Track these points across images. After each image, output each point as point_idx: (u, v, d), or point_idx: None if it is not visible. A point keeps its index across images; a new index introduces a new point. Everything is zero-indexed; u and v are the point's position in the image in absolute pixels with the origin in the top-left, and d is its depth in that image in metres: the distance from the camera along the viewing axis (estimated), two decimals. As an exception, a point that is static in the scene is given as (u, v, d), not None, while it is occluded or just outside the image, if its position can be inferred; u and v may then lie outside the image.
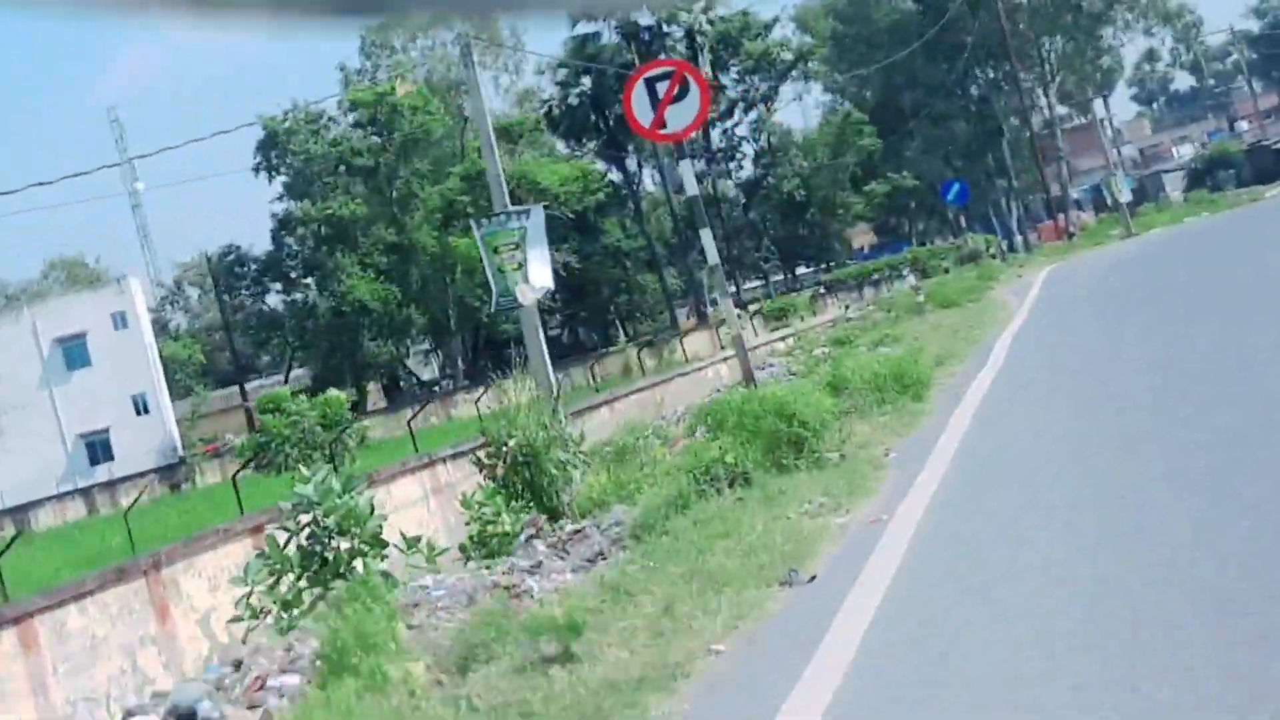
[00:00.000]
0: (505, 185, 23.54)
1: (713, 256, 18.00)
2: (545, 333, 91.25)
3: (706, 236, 17.89)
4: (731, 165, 69.61)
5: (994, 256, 48.21)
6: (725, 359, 38.55)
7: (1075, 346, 16.96)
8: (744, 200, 70.33)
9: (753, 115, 68.63)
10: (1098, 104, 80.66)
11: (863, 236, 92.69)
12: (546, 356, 19.56)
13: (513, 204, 65.69)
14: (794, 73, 67.84)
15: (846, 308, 45.42)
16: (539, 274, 19.77)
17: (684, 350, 59.20)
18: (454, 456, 21.53)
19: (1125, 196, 53.38)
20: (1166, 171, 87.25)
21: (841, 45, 72.06)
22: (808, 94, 67.89)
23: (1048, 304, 24.89)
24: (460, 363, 74.90)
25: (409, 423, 37.62)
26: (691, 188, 19.84)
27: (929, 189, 73.18)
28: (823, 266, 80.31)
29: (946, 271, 46.16)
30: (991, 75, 71.07)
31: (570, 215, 64.96)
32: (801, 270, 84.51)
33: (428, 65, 78.26)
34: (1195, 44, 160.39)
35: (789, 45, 67.87)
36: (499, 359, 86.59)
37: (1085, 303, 23.14)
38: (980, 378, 15.35)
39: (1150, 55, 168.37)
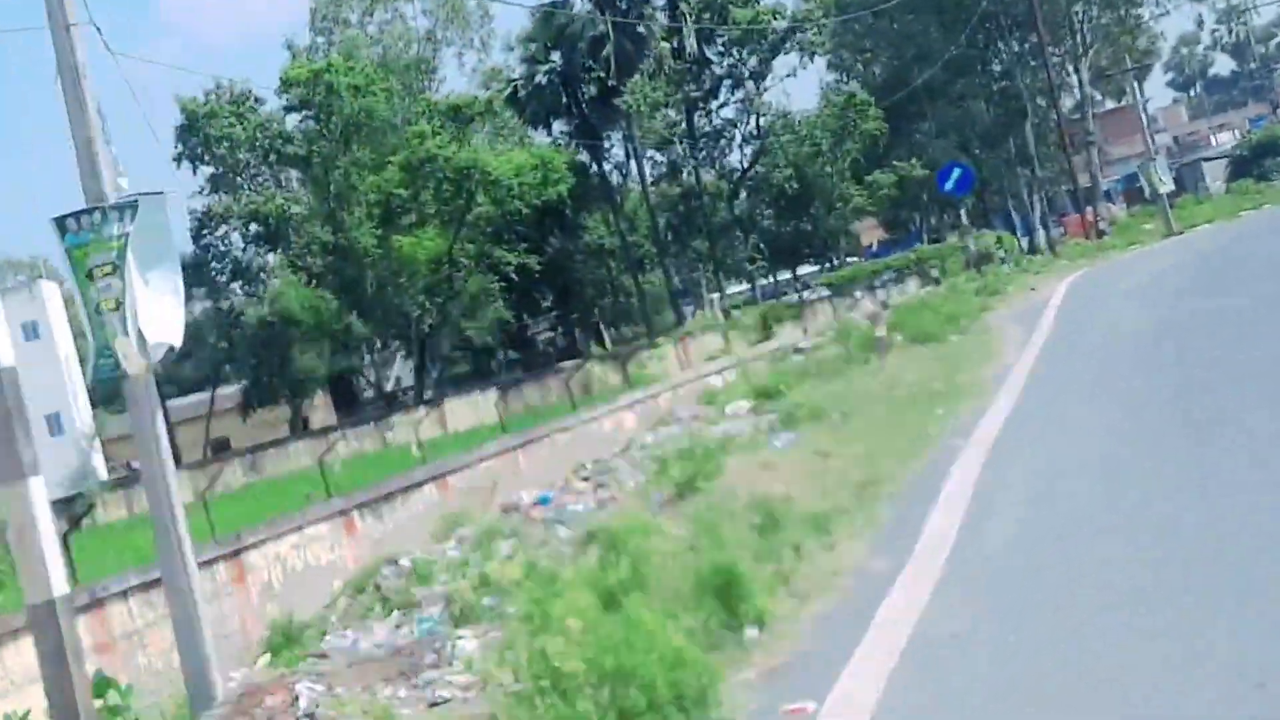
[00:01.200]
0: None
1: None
2: (535, 337, 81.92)
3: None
4: (715, 153, 60.77)
5: (1004, 260, 39.63)
6: (642, 401, 30.28)
7: (1106, 484, 8.48)
8: (730, 192, 61.47)
9: (741, 95, 59.77)
10: (1133, 86, 70.98)
11: (872, 232, 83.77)
12: (170, 468, 10.58)
13: (458, 198, 58.07)
14: (788, 45, 58.82)
15: (804, 332, 37.18)
16: (158, 318, 10.67)
17: (623, 378, 50.72)
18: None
19: (1167, 187, 44.57)
20: (1207, 159, 77.92)
21: (845, 13, 63.28)
22: (804, 69, 57.92)
23: (1060, 354, 16.30)
24: (432, 370, 66.79)
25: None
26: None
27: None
28: (827, 265, 71.57)
29: (936, 282, 37.74)
30: (1016, 49, 61.95)
31: (532, 208, 56.62)
32: (806, 270, 75.82)
33: (384, 41, 70.04)
34: (1238, 24, 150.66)
35: (783, 12, 58.90)
36: (481, 366, 79.09)
37: (1118, 359, 14.54)
38: (889, 602, 6.87)
39: (1188, 39, 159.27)
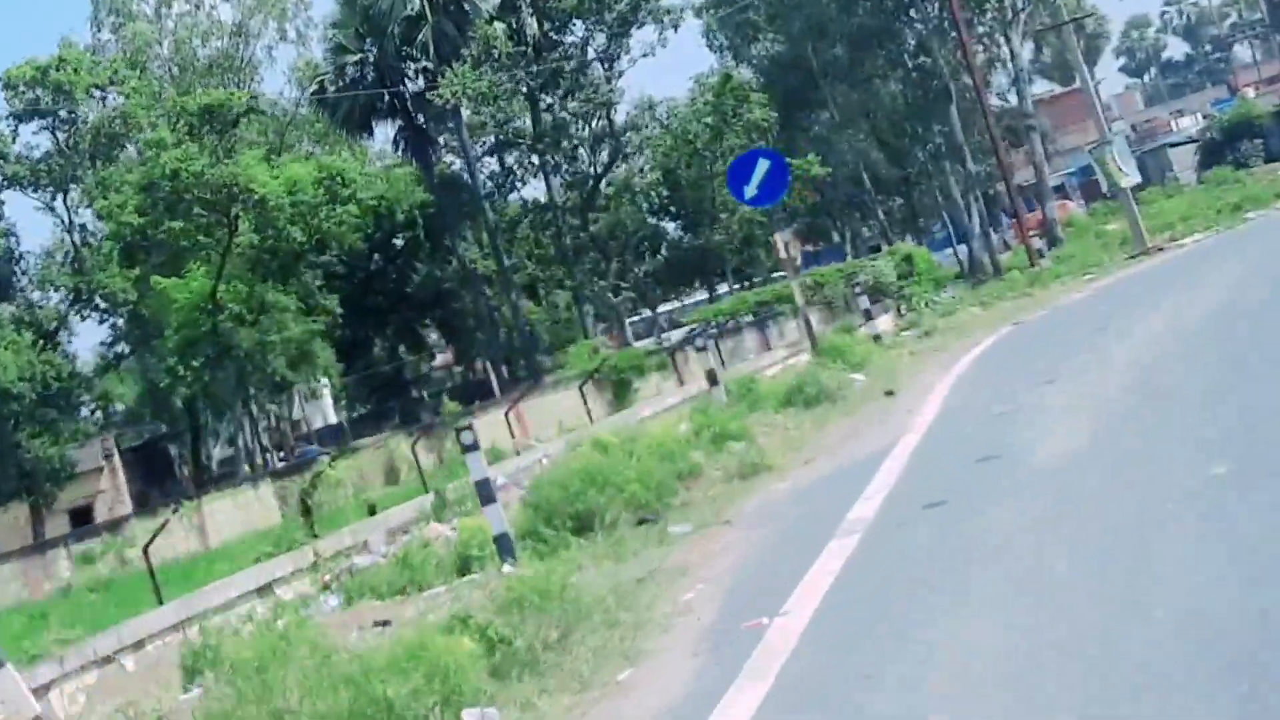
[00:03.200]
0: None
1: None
2: (431, 376, 67.49)
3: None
4: (559, 157, 47.04)
5: (901, 297, 26.48)
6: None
7: None
8: (582, 204, 47.61)
9: (595, 81, 45.88)
10: (1077, 57, 57.45)
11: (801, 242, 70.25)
12: None
13: (222, 220, 42.54)
14: (640, 15, 45.05)
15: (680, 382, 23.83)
16: None
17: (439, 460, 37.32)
18: None
19: (1130, 179, 31.29)
20: (1173, 145, 64.80)
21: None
22: (663, 47, 43.99)
23: None
24: (253, 438, 53.25)
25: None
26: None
27: (850, 179, 50.93)
28: (742, 285, 58.32)
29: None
30: (935, 15, 48.75)
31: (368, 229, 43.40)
32: (724, 289, 62.50)
33: (178, 35, 56.18)
34: (1188, 5, 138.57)
35: None
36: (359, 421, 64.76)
37: None
38: None
39: (1138, 22, 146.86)
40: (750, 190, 16.51)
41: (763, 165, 16.38)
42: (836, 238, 62.25)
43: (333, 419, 69.44)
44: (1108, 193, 34.11)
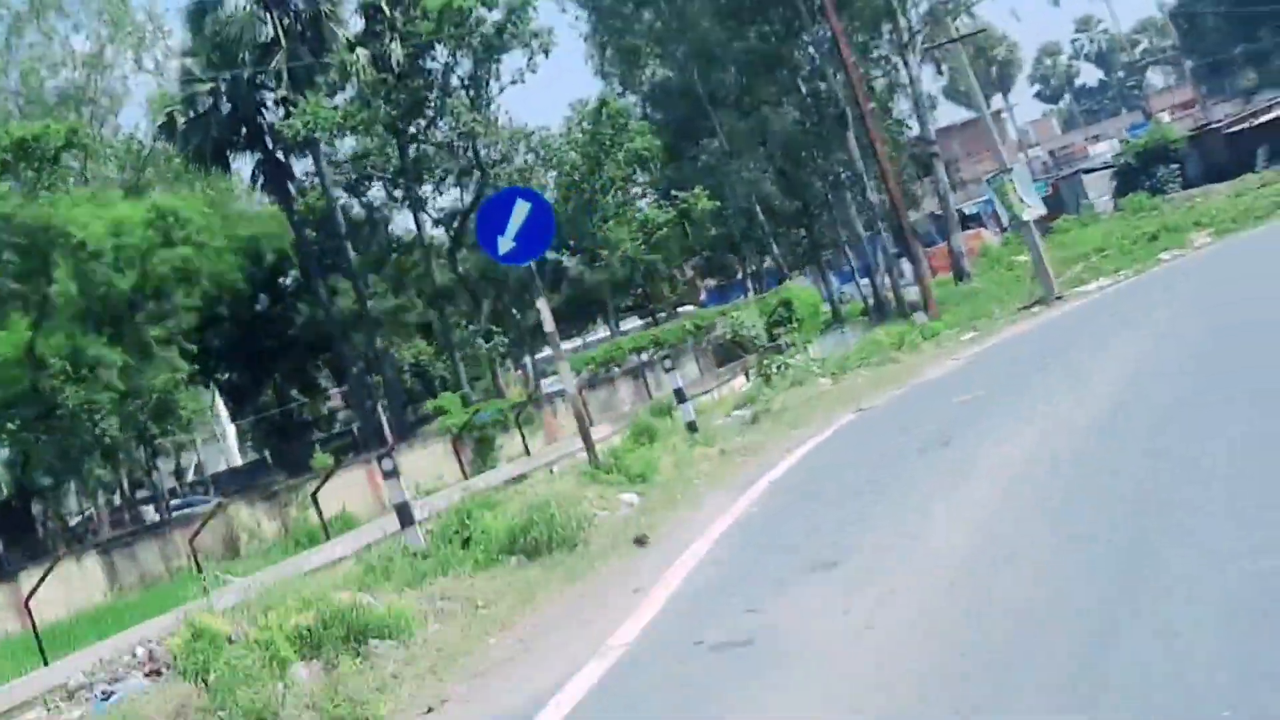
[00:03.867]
0: None
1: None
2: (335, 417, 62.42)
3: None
4: (425, 192, 42.62)
5: (764, 359, 22.41)
6: None
7: None
8: (451, 244, 43.17)
9: (455, 110, 41.39)
10: (967, 72, 53.74)
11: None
12: None
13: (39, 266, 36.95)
14: (506, 38, 40.57)
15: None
16: None
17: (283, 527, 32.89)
18: None
19: (1032, 210, 27.39)
20: (1088, 171, 61.70)
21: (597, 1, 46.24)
22: (533, 72, 39.59)
23: None
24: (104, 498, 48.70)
25: None
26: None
27: (742, 212, 46.92)
28: (650, 319, 54.28)
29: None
30: (829, 36, 45.05)
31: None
32: (630, 325, 58.49)
33: (23, 65, 51.10)
34: (1098, 32, 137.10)
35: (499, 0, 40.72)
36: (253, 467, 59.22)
37: None
38: None
39: (1050, 49, 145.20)
40: (506, 243, 12.19)
41: (521, 209, 12.08)
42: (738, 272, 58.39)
43: (238, 461, 65.51)
44: (1008, 225, 30.39)
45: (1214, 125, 57.64)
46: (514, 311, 44.82)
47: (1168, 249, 28.78)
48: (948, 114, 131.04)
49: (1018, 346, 16.48)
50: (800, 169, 46.69)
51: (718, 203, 41.96)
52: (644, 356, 34.45)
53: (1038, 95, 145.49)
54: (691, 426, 14.77)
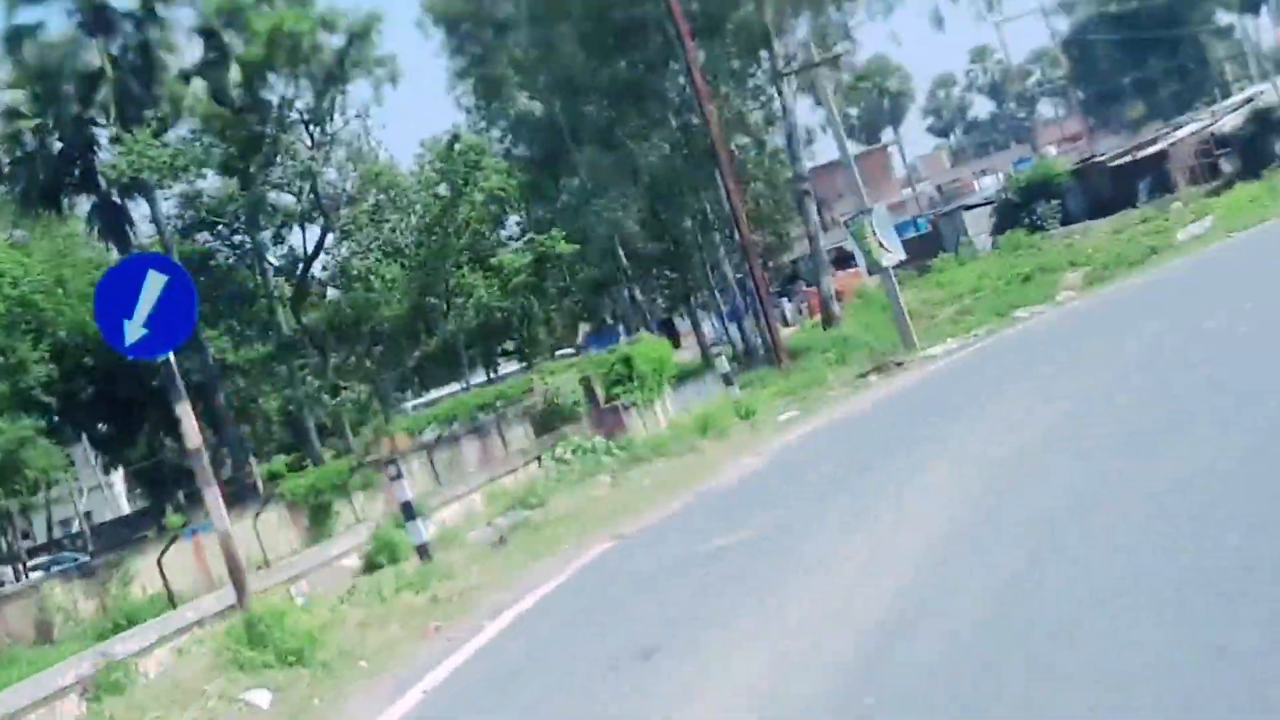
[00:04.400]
0: None
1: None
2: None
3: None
4: (264, 237, 39.31)
5: (620, 402, 19.74)
6: None
7: None
8: (293, 295, 39.87)
9: (290, 147, 38.22)
10: (827, 98, 51.48)
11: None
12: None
13: None
14: (344, 69, 37.43)
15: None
16: None
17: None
18: None
19: (891, 256, 25.11)
20: (969, 208, 60.12)
21: (454, 30, 43.42)
22: (379, 106, 36.59)
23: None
24: None
25: None
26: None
27: (602, 253, 44.19)
28: (526, 365, 51.42)
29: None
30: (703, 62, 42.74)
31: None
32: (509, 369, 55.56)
33: None
34: (992, 64, 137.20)
35: (335, 24, 37.54)
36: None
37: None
38: None
39: (944, 81, 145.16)
40: (134, 329, 9.24)
41: (154, 284, 9.17)
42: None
43: (126, 510, 62.54)
44: (868, 271, 28.09)
45: (1097, 159, 56.38)
46: (367, 363, 41.77)
47: (1025, 306, 26.63)
48: (827, 144, 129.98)
49: (832, 441, 13.89)
50: (670, 207, 44.19)
51: (576, 246, 39.23)
52: (490, 414, 31.55)
53: (930, 128, 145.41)
54: (423, 551, 11.84)
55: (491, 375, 52.10)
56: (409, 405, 51.45)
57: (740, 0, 41.05)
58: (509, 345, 53.09)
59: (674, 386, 30.93)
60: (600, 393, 22.12)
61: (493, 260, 39.65)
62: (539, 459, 17.86)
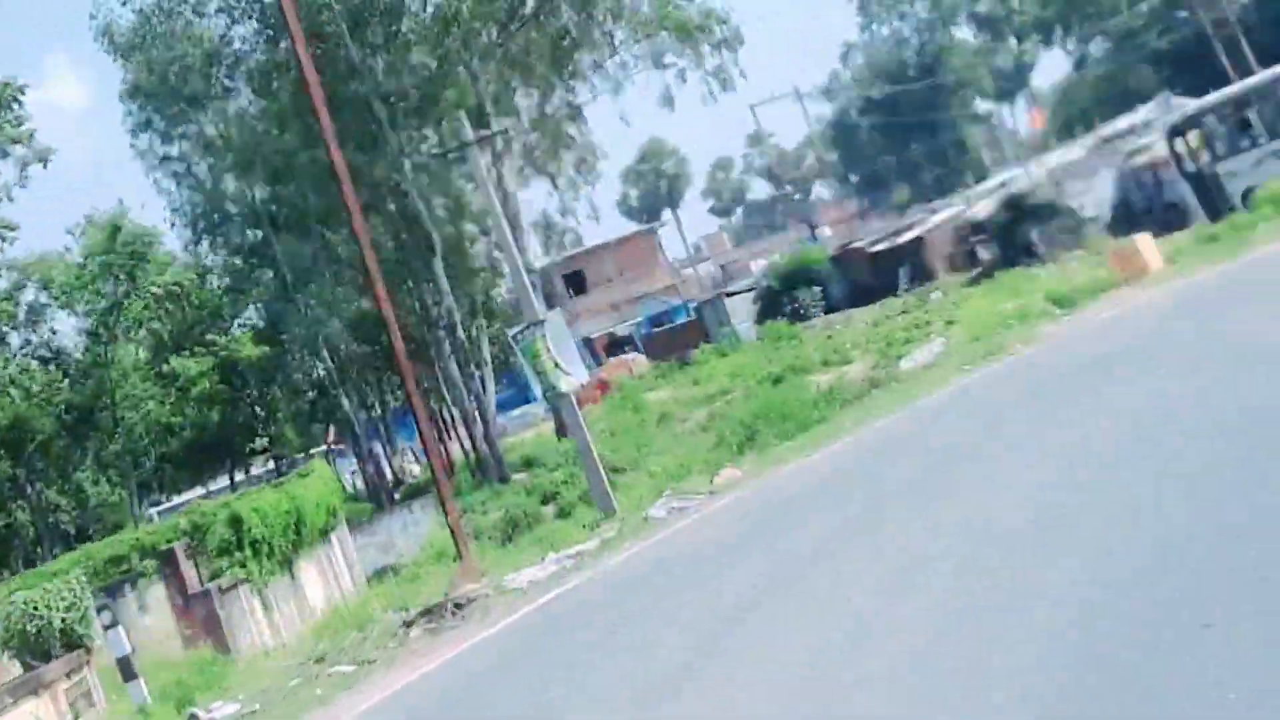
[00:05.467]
0: None
1: None
2: None
3: None
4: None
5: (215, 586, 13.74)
6: None
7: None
8: None
9: None
10: (496, 176, 46.51)
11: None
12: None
13: None
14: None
15: None
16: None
17: None
18: None
19: (570, 381, 19.98)
20: (732, 294, 56.53)
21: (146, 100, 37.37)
22: (22, 187, 30.07)
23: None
24: None
25: None
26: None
27: (311, 356, 38.40)
28: (279, 467, 45.00)
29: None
30: (413, 142, 37.72)
31: None
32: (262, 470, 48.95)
33: None
34: (768, 146, 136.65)
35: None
36: None
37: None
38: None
39: (723, 163, 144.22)
40: None
41: None
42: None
43: None
44: (547, 398, 23.01)
45: (856, 244, 53.41)
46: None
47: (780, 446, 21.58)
48: (616, 228, 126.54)
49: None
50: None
51: (267, 349, 33.38)
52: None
53: (712, 209, 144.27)
54: None
55: (234, 479, 45.71)
56: (154, 511, 44.50)
57: (453, 76, 36.30)
58: (256, 445, 46.60)
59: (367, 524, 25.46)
60: (191, 572, 16.38)
61: (165, 368, 33.37)
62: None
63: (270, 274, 36.78)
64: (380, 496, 37.58)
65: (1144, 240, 24.66)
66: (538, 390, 21.62)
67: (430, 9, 36.25)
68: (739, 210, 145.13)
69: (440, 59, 36.31)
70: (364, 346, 38.00)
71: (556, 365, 19.51)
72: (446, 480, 20.51)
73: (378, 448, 43.66)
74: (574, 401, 20.28)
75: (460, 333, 36.07)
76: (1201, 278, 21.51)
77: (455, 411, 39.08)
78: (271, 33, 36.87)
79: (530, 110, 40.80)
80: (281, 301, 35.79)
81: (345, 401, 36.88)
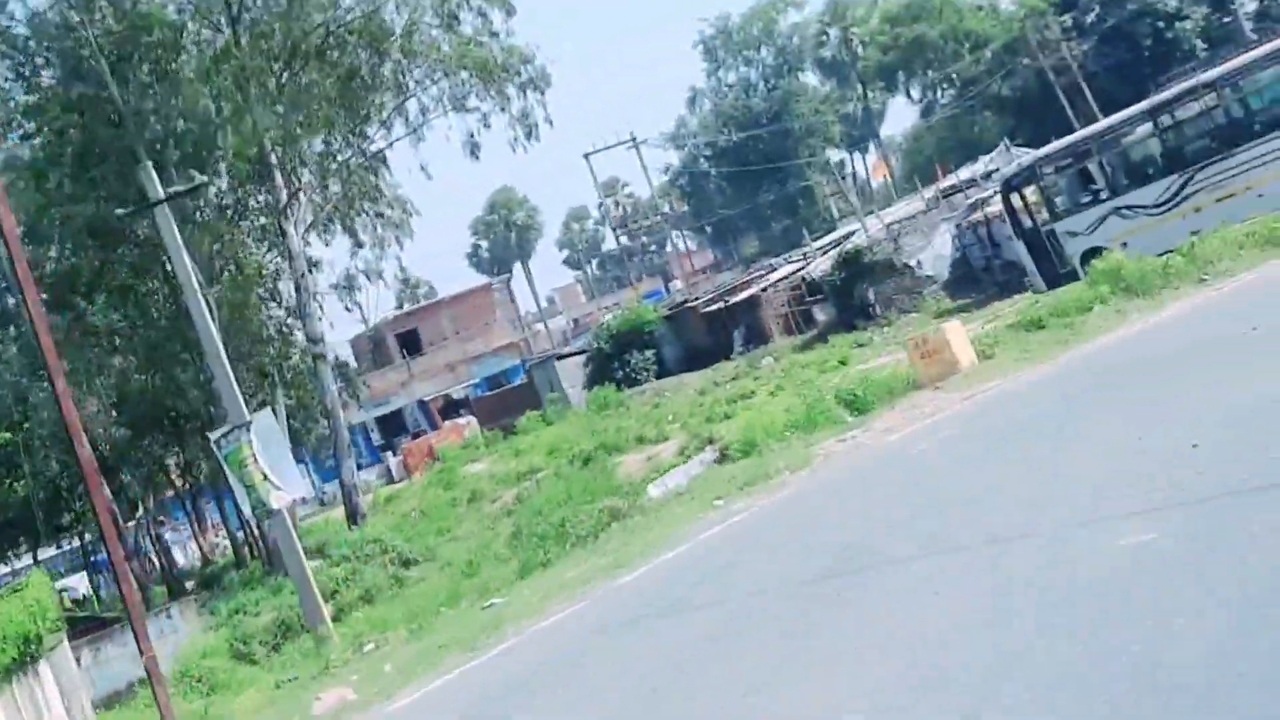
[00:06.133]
0: None
1: None
2: None
3: None
4: None
5: None
6: None
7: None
8: None
9: None
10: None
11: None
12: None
13: None
14: None
15: None
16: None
17: None
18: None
19: (282, 497, 16.33)
20: (562, 356, 53.06)
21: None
22: None
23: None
24: None
25: None
26: None
27: (61, 445, 33.85)
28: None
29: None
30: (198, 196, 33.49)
31: None
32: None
33: None
34: (623, 197, 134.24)
35: None
36: None
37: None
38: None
39: (577, 214, 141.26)
40: None
41: None
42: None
43: None
44: (257, 514, 19.19)
45: (690, 304, 50.42)
46: None
47: (498, 596, 17.49)
48: (463, 280, 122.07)
49: None
50: (160, 379, 34.30)
51: (42, 438, 28.85)
52: None
53: (566, 261, 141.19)
54: None
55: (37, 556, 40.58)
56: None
57: (232, 120, 32.23)
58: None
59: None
60: None
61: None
62: None
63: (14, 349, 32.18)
64: (146, 592, 33.02)
65: (954, 330, 21.09)
66: (246, 507, 17.56)
67: (200, 44, 32.27)
68: (594, 262, 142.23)
69: (215, 99, 32.23)
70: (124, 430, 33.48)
71: (265, 477, 15.75)
72: (142, 614, 16.46)
73: (159, 537, 38.88)
74: (287, 520, 16.48)
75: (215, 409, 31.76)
76: (1012, 385, 18.07)
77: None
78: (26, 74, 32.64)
79: (327, 159, 36.95)
80: (25, 380, 31.20)
81: (131, 481, 32.30)
